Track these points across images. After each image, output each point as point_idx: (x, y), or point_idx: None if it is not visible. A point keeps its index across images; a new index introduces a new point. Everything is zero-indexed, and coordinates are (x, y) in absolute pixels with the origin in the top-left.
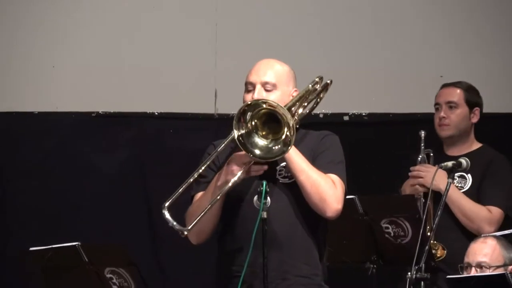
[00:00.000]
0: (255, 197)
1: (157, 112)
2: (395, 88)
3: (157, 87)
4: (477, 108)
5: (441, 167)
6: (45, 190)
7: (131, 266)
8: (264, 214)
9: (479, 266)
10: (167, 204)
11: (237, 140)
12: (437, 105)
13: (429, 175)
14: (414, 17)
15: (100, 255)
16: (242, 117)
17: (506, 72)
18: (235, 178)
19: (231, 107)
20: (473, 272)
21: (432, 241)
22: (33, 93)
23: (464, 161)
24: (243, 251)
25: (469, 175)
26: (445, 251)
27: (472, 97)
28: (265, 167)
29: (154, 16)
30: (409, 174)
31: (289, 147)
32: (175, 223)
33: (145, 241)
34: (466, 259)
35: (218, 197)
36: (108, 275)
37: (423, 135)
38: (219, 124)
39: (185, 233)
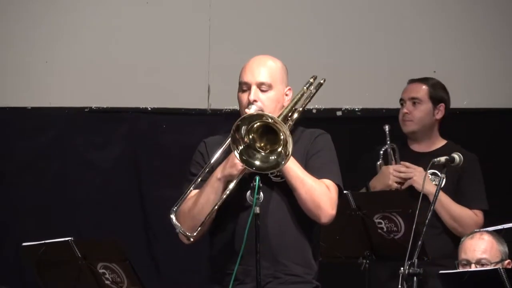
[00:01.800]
0: (248, 193)
1: (150, 108)
2: (388, 84)
3: (150, 82)
4: (441, 104)
5: (434, 163)
6: (39, 185)
7: (124, 261)
8: (257, 209)
9: (479, 263)
10: (175, 208)
11: (239, 159)
12: (402, 101)
13: (419, 174)
14: (407, 12)
15: (93, 250)
16: (237, 132)
17: (500, 67)
18: (241, 168)
19: (224, 103)
20: (473, 269)
21: None
22: (26, 88)
23: (457, 156)
24: (236, 247)
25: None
26: None
27: (437, 93)
28: None
29: (147, 11)
30: (394, 169)
31: (285, 162)
32: (182, 229)
33: (139, 236)
34: (463, 256)
35: (227, 192)
36: (101, 270)
37: (387, 129)
38: (212, 119)
39: (191, 239)
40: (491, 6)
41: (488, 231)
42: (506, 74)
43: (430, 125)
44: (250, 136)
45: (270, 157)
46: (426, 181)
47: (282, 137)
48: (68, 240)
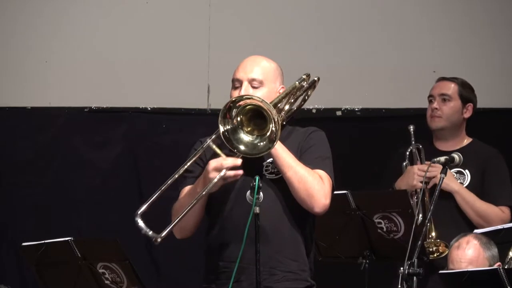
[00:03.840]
0: (248, 192)
1: (150, 107)
2: (388, 83)
3: (150, 82)
4: (470, 104)
5: (434, 162)
6: (39, 185)
7: (124, 261)
8: (257, 209)
9: None
10: (139, 211)
11: (222, 136)
12: (431, 97)
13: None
14: (407, 12)
15: (93, 250)
16: (228, 113)
17: (500, 67)
18: (211, 185)
19: (224, 103)
20: None
21: (434, 239)
22: (26, 88)
23: (456, 156)
24: (232, 246)
25: (466, 170)
26: (448, 249)
27: (466, 93)
28: (240, 172)
29: (147, 11)
30: (419, 169)
31: (274, 143)
32: (147, 230)
33: (138, 236)
34: (450, 266)
35: (193, 204)
36: (101, 270)
37: (412, 129)
38: (212, 119)
39: (158, 240)
40: (491, 6)
41: (476, 236)
42: (507, 74)
43: (458, 123)
44: (239, 119)
45: (259, 143)
46: (451, 179)
47: (269, 120)
48: (68, 240)
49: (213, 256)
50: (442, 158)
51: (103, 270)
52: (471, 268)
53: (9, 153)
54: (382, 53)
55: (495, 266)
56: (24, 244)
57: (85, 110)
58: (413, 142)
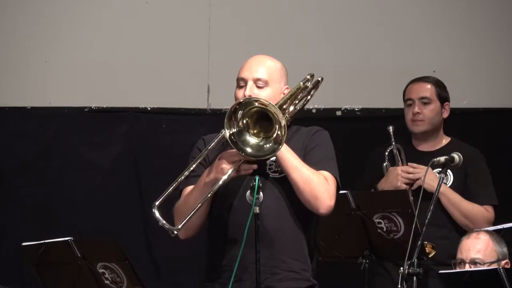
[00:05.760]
0: (248, 192)
1: (150, 107)
2: (388, 83)
3: (150, 82)
4: (447, 103)
5: (433, 163)
6: (38, 185)
7: (124, 261)
8: (257, 209)
9: (473, 262)
10: (157, 203)
11: (228, 139)
12: (410, 101)
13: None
14: (407, 12)
15: (93, 250)
16: (233, 115)
17: (500, 67)
18: (225, 177)
19: (224, 102)
20: (467, 268)
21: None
22: (26, 88)
23: (456, 156)
24: (233, 246)
25: (449, 171)
26: (434, 250)
27: (442, 92)
28: (255, 166)
29: (147, 11)
30: (402, 170)
31: (280, 146)
32: (165, 222)
33: (138, 235)
34: (459, 255)
35: (209, 195)
36: (101, 270)
37: (391, 129)
38: (212, 119)
39: (175, 232)
40: (491, 6)
41: (487, 231)
42: (506, 74)
43: (438, 125)
44: (245, 121)
45: (265, 145)
46: (434, 180)
47: (275, 122)
48: (68, 240)
49: (215, 256)
50: (442, 158)
51: (103, 270)
52: (478, 256)
53: (9, 153)
54: (382, 53)
55: (503, 263)
56: (24, 244)
57: (85, 110)
58: (393, 143)
